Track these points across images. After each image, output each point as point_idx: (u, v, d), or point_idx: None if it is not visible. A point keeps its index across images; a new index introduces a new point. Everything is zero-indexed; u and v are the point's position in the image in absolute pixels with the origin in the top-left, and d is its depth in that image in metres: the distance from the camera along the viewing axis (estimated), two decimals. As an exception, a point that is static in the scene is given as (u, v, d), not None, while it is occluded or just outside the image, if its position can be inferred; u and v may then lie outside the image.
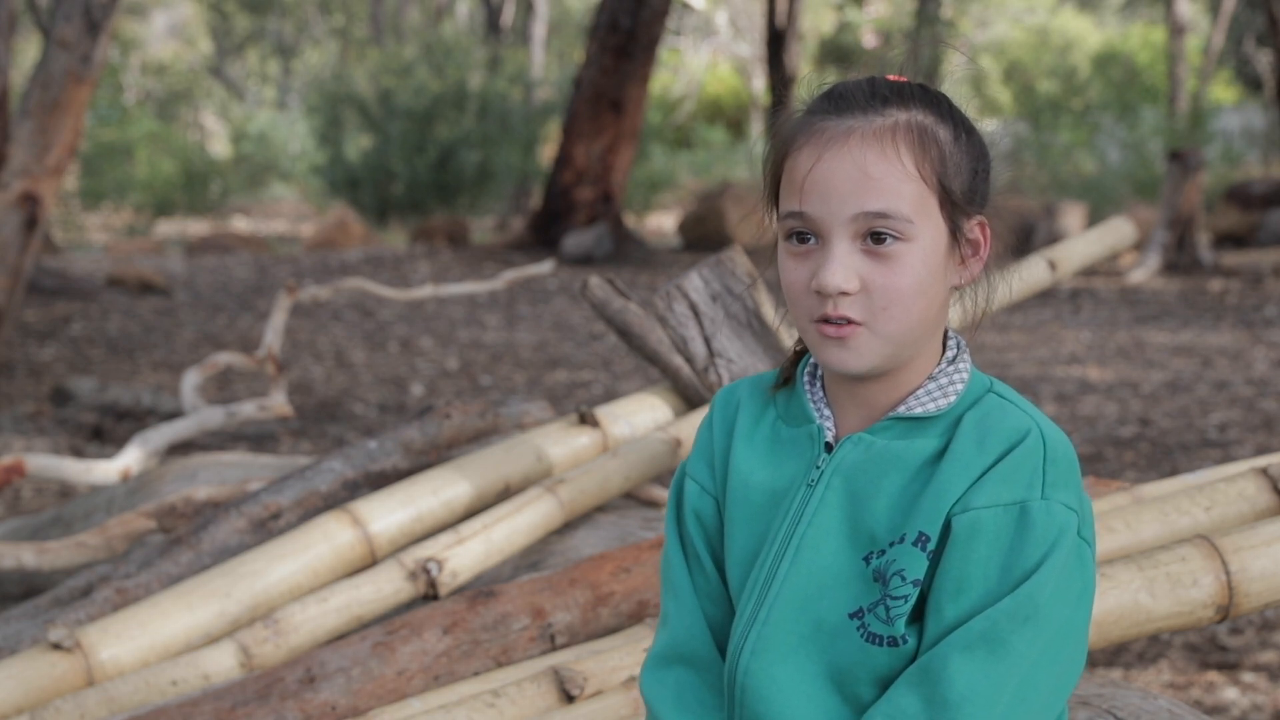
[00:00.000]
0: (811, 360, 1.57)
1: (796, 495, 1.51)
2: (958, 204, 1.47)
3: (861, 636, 1.46)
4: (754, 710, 1.51)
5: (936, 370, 1.51)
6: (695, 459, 1.62)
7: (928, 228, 1.45)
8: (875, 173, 1.43)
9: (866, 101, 1.46)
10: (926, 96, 1.48)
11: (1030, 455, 1.44)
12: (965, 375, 1.51)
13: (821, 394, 1.55)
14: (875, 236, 1.44)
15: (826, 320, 1.45)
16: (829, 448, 1.52)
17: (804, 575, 1.49)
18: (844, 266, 1.44)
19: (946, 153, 1.46)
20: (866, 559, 1.47)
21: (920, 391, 1.50)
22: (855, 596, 1.47)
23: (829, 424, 1.53)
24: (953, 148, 1.47)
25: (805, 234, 1.47)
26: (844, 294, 1.44)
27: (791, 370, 1.59)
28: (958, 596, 1.42)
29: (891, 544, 1.46)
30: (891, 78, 1.49)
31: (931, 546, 1.44)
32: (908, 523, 1.45)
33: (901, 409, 1.49)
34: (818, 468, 1.51)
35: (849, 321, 1.45)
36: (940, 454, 1.46)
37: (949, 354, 1.52)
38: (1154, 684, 4.14)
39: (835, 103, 1.48)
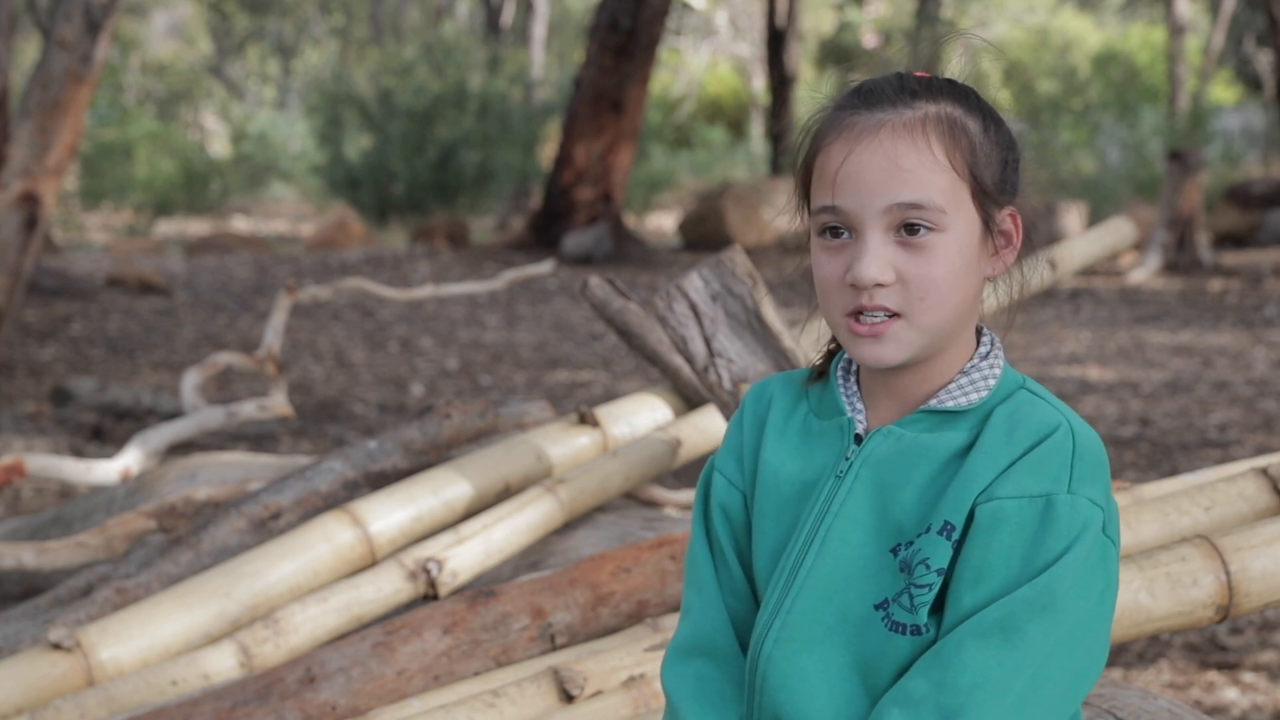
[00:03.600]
0: (846, 354, 1.57)
1: (825, 486, 1.52)
2: (989, 194, 1.48)
3: (886, 625, 1.47)
4: (774, 698, 1.51)
5: (969, 365, 1.51)
6: (724, 454, 1.62)
7: (960, 218, 1.46)
8: (907, 164, 1.44)
9: (895, 95, 1.47)
10: (954, 90, 1.50)
11: (1059, 450, 1.44)
12: (998, 371, 1.51)
13: (855, 387, 1.56)
14: (909, 228, 1.44)
15: (860, 313, 1.46)
16: (859, 440, 1.52)
17: (830, 565, 1.49)
18: (878, 258, 1.44)
19: (976, 143, 1.47)
20: (894, 550, 1.47)
21: (952, 385, 1.50)
22: (882, 587, 1.47)
23: (860, 416, 1.53)
24: (982, 139, 1.48)
25: (838, 228, 1.47)
26: (879, 286, 1.44)
27: (825, 365, 1.59)
28: (977, 585, 1.42)
29: (919, 535, 1.46)
30: (919, 74, 1.50)
31: (956, 536, 1.44)
32: (934, 513, 1.45)
33: (933, 402, 1.50)
34: (847, 459, 1.51)
35: (886, 313, 1.45)
36: (969, 447, 1.46)
37: (982, 349, 1.53)
38: (1154, 684, 4.14)
39: (864, 98, 1.49)
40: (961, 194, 1.46)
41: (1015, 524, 1.42)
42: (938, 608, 1.46)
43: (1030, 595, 1.40)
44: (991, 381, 1.50)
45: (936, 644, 1.43)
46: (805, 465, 1.54)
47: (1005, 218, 1.50)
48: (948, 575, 1.45)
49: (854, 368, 1.57)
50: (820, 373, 1.59)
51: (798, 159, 1.53)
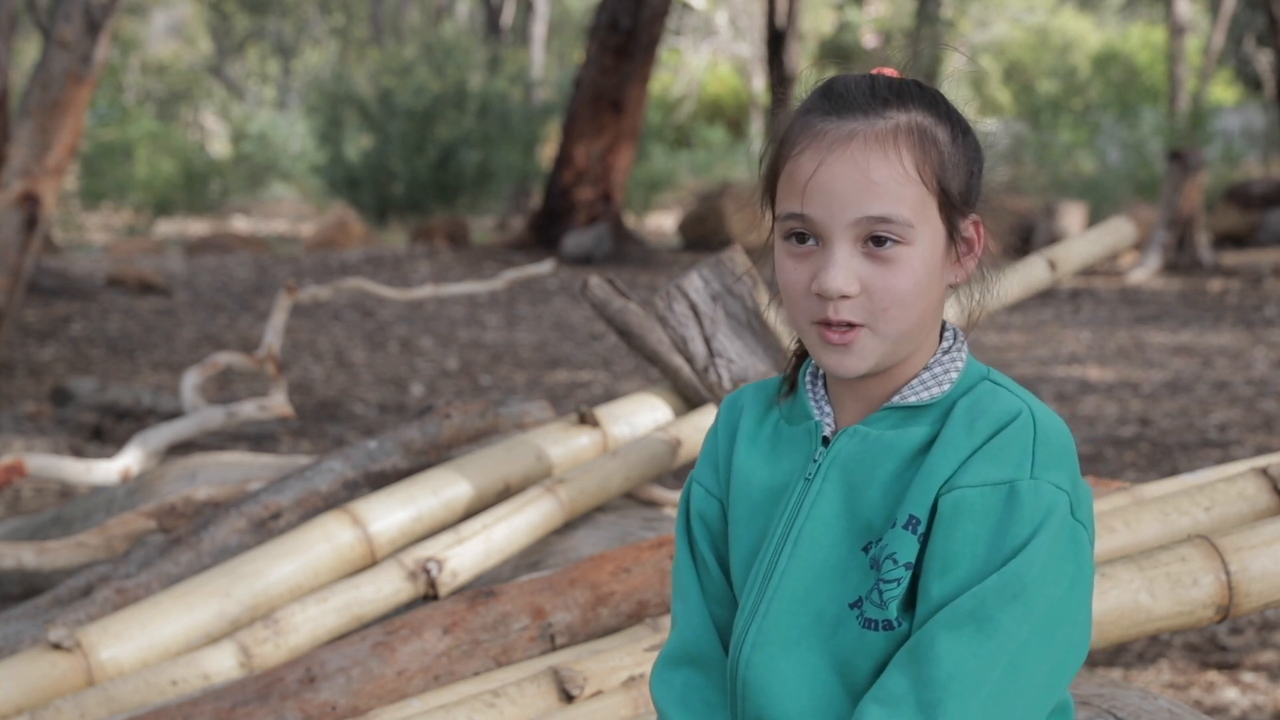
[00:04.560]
0: (813, 362, 1.58)
1: (795, 490, 1.53)
2: (955, 204, 1.48)
3: (859, 624, 1.47)
4: (756, 702, 1.52)
5: (931, 360, 1.52)
6: (701, 464, 1.63)
7: (927, 230, 1.46)
8: (878, 177, 1.44)
9: (867, 103, 1.46)
10: (924, 96, 1.49)
11: (1019, 436, 1.44)
12: (960, 364, 1.52)
13: (823, 392, 1.56)
14: (876, 240, 1.45)
15: (827, 323, 1.46)
16: (827, 442, 1.53)
17: (803, 567, 1.50)
18: (845, 270, 1.44)
19: (946, 154, 1.47)
20: (865, 549, 1.48)
21: (915, 381, 1.51)
22: (855, 587, 1.48)
23: (828, 419, 1.54)
24: (951, 149, 1.48)
25: (805, 235, 1.47)
26: (845, 297, 1.45)
27: (794, 376, 1.60)
28: (944, 575, 1.43)
29: (886, 531, 1.46)
30: (888, 73, 1.50)
31: (921, 529, 1.44)
32: (900, 508, 1.46)
33: (896, 399, 1.50)
34: (815, 461, 1.52)
35: (850, 325, 1.45)
36: (932, 441, 1.47)
37: (944, 344, 1.53)
38: (1154, 684, 4.14)
39: (835, 103, 1.47)
40: (929, 206, 1.46)
41: (978, 512, 1.42)
42: (912, 603, 1.46)
43: (999, 583, 1.40)
44: (954, 375, 1.51)
45: (911, 638, 1.44)
46: (775, 471, 1.55)
47: (968, 226, 1.50)
48: (916, 570, 1.45)
49: (821, 372, 1.57)
50: (792, 385, 1.60)
51: (764, 160, 1.53)
